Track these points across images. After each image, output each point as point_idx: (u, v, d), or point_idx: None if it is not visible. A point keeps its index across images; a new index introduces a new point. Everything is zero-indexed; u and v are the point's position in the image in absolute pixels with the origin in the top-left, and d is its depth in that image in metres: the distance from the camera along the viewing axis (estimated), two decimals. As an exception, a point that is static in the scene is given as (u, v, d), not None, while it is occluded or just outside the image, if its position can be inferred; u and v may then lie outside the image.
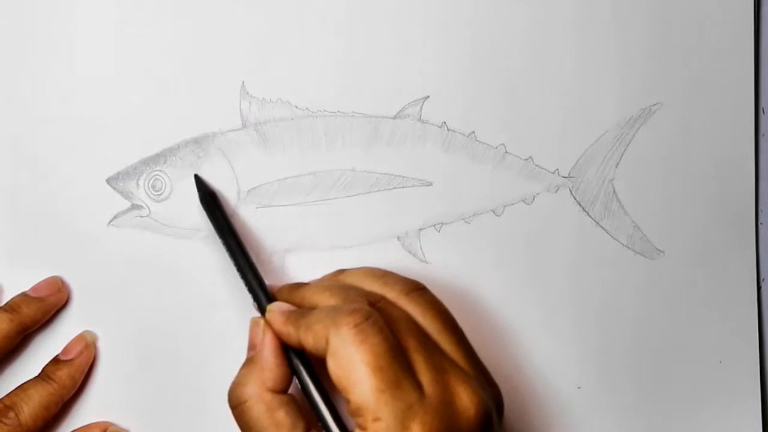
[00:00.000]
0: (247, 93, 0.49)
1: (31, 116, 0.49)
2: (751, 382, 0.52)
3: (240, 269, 0.45)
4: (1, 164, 0.49)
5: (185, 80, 0.49)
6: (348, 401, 0.39)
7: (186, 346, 0.49)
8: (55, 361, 0.48)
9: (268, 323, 0.43)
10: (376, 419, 0.38)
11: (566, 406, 0.51)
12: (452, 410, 0.40)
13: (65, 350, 0.48)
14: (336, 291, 0.43)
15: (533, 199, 0.51)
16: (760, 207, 0.52)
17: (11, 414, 0.45)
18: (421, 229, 0.50)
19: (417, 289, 0.44)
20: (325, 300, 0.43)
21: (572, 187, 0.51)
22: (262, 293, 0.45)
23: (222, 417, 0.49)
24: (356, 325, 0.39)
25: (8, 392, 0.46)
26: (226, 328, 0.49)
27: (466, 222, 0.51)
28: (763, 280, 0.53)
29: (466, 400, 0.40)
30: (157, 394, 0.49)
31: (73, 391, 0.48)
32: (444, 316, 0.43)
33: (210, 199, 0.48)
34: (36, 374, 0.47)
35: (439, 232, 0.50)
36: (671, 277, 0.52)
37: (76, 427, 0.48)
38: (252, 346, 0.44)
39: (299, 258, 0.49)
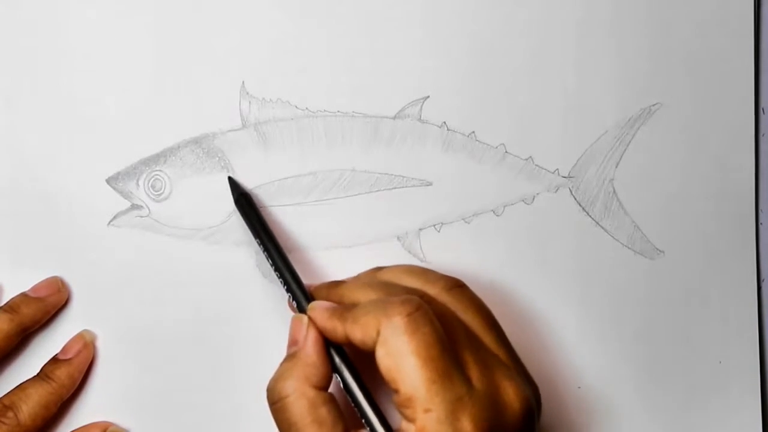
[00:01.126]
0: (247, 93, 0.49)
1: (31, 116, 0.49)
2: (751, 382, 0.52)
3: (278, 269, 0.45)
4: (1, 164, 0.49)
5: (185, 80, 0.49)
6: (396, 391, 0.39)
7: (186, 346, 0.49)
8: (54, 360, 0.48)
9: (311, 320, 0.43)
10: (427, 410, 0.38)
11: (566, 406, 0.51)
12: (499, 405, 0.40)
13: (64, 350, 0.48)
14: (377, 287, 0.43)
15: (533, 199, 0.51)
16: (760, 207, 0.52)
17: (10, 413, 0.45)
18: (421, 229, 0.50)
19: (458, 286, 0.44)
20: (366, 296, 0.43)
21: (572, 187, 0.51)
22: (300, 292, 0.45)
23: (223, 416, 0.49)
24: (408, 315, 0.39)
25: (7, 392, 0.46)
26: (226, 327, 0.49)
27: (466, 222, 0.51)
28: (763, 280, 0.52)
29: (511, 395, 0.40)
30: (157, 394, 0.49)
31: (72, 390, 0.48)
32: (485, 312, 0.44)
33: (244, 201, 0.48)
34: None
35: (439, 232, 0.50)
36: (671, 277, 0.52)
37: (75, 427, 0.48)
38: (293, 342, 0.43)
39: (299, 258, 0.49)
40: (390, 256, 0.50)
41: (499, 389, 0.40)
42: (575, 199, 0.51)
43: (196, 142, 0.49)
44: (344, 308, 0.42)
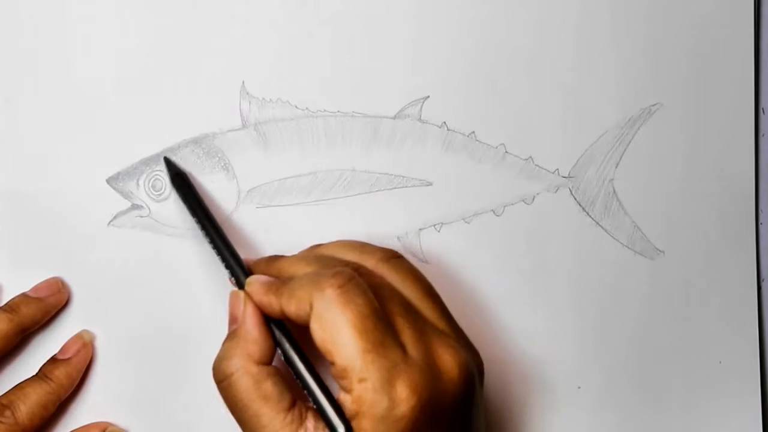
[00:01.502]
0: (247, 93, 0.49)
1: (31, 116, 0.49)
2: (751, 382, 0.52)
3: (215, 246, 0.45)
4: (1, 164, 0.49)
5: (185, 80, 0.49)
6: (332, 363, 0.39)
7: (186, 346, 0.49)
8: (53, 360, 0.48)
9: (248, 295, 0.43)
10: (361, 380, 0.38)
11: (566, 405, 0.51)
12: (436, 370, 0.40)
13: (63, 349, 0.48)
14: (314, 260, 0.43)
15: (533, 199, 0.51)
16: (760, 207, 0.52)
17: (8, 413, 0.45)
18: (421, 229, 0.50)
19: (394, 257, 0.44)
20: (302, 269, 0.43)
21: (572, 187, 0.51)
22: (238, 268, 0.44)
23: (222, 416, 0.49)
24: (340, 287, 0.39)
25: (5, 391, 0.46)
26: (226, 327, 0.49)
27: (466, 222, 0.51)
28: (763, 280, 0.52)
29: (449, 361, 0.40)
30: (157, 394, 0.49)
31: (71, 390, 0.47)
32: (422, 282, 0.44)
33: (180, 180, 0.48)
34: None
35: (439, 232, 0.50)
36: (671, 277, 0.52)
37: (74, 427, 0.48)
38: (233, 320, 0.43)
39: (299, 258, 0.49)
40: (390, 256, 0.50)
41: (436, 355, 0.40)
42: (575, 199, 0.51)
43: (196, 142, 0.49)
44: (280, 282, 0.42)
